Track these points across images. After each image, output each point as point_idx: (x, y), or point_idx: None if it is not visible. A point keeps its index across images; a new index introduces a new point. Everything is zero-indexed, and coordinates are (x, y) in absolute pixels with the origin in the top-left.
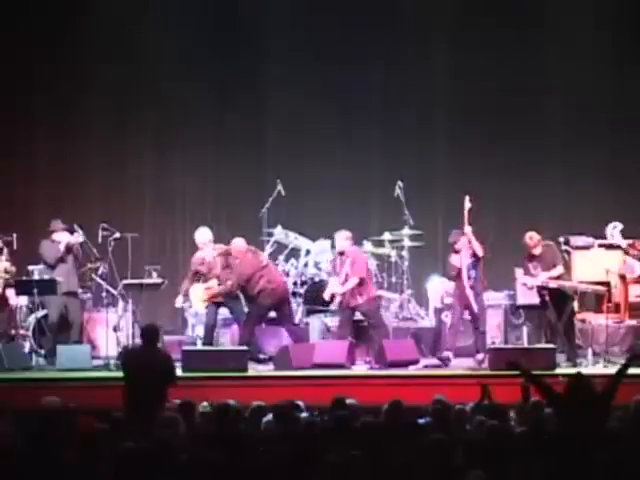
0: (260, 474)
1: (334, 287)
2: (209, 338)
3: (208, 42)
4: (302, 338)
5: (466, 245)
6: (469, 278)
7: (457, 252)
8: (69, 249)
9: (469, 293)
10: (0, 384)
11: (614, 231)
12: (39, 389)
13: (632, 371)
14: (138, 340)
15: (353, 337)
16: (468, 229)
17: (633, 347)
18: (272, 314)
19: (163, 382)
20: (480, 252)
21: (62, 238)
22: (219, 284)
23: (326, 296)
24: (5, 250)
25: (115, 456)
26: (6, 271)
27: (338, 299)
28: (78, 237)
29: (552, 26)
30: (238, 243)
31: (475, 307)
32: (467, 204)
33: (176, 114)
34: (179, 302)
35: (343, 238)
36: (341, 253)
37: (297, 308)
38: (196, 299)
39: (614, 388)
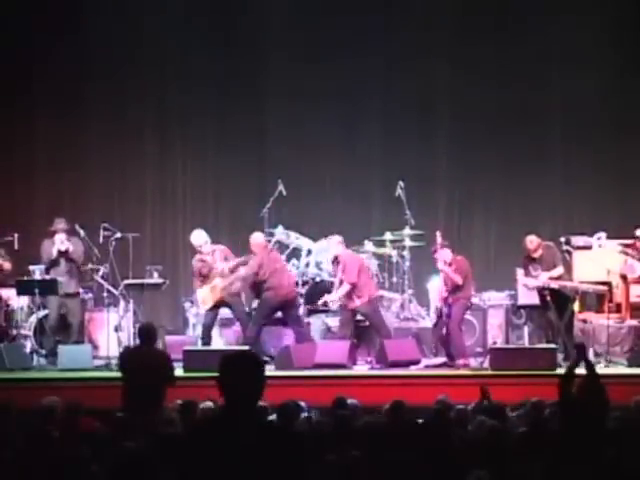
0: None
1: (328, 295)
2: (207, 338)
3: (209, 42)
4: (307, 341)
5: (444, 277)
6: (448, 316)
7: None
8: (62, 253)
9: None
10: (1, 384)
11: (600, 242)
12: (40, 389)
13: (632, 371)
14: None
15: (354, 337)
16: (441, 265)
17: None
18: (279, 315)
19: (161, 382)
20: (460, 281)
21: (56, 242)
22: (231, 277)
23: (320, 302)
24: None
25: (115, 456)
26: None
27: (336, 304)
28: (63, 244)
29: (553, 25)
30: (257, 237)
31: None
32: (439, 239)
33: (177, 114)
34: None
35: (334, 244)
36: (335, 258)
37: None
38: (203, 301)
39: (594, 382)
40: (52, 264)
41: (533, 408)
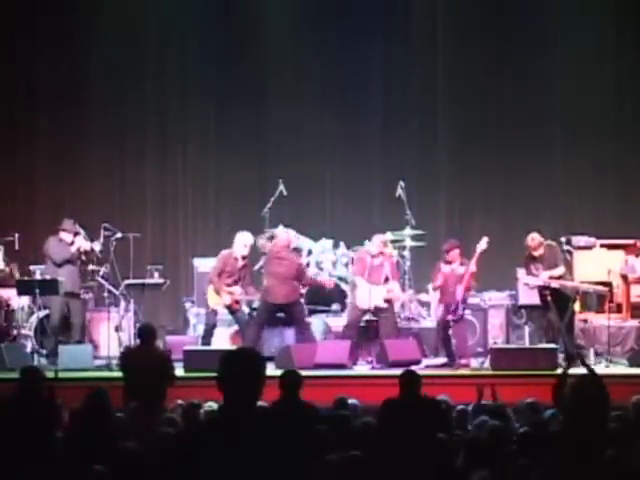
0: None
1: (391, 292)
2: (208, 338)
3: (209, 42)
4: (308, 342)
5: (464, 277)
6: (457, 311)
7: (448, 263)
8: (80, 253)
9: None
10: (2, 384)
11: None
12: None
13: (631, 371)
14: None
15: (357, 338)
16: (473, 267)
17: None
18: (281, 315)
19: (161, 381)
20: (474, 285)
21: (76, 241)
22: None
23: (382, 300)
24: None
25: (115, 456)
26: None
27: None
28: (96, 246)
29: (553, 25)
30: (283, 233)
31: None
32: (484, 245)
33: (177, 114)
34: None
35: (379, 242)
36: (375, 255)
37: None
38: (214, 298)
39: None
40: (67, 262)
41: (534, 408)
